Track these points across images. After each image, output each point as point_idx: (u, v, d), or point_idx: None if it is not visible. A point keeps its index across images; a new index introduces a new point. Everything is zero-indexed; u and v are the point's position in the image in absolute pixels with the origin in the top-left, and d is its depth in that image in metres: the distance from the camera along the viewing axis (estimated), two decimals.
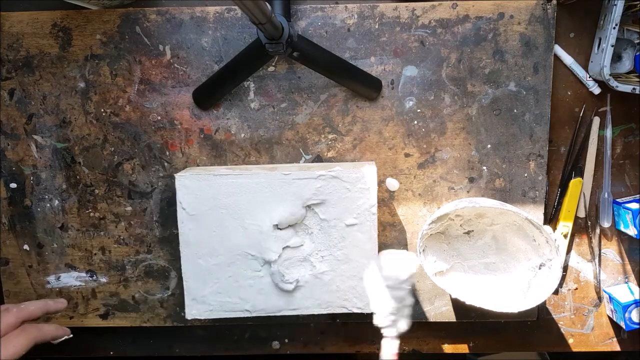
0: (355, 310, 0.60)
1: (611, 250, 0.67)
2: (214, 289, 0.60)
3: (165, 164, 0.65)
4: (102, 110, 0.64)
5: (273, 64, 0.62)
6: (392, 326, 0.53)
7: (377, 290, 0.54)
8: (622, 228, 0.65)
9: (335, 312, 0.61)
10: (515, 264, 0.62)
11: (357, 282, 0.59)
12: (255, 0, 0.40)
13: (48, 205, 0.66)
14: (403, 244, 0.65)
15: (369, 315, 0.67)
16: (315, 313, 0.61)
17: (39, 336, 0.53)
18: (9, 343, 0.50)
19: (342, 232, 0.59)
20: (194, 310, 0.60)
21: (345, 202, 0.58)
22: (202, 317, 0.60)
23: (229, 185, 0.58)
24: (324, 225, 0.59)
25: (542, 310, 0.68)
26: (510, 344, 0.70)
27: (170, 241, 0.66)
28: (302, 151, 0.64)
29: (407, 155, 0.64)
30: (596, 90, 0.62)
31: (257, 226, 0.58)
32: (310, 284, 0.60)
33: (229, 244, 0.59)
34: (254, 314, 0.60)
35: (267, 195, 0.58)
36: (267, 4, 0.43)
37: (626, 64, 0.62)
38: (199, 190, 0.58)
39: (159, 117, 0.64)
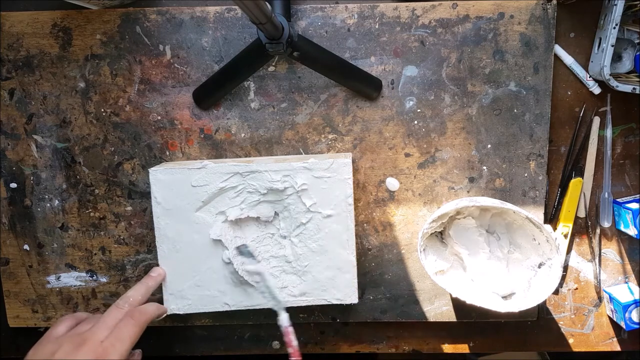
0: (335, 302, 0.61)
1: (611, 250, 0.67)
2: (192, 282, 0.60)
3: None
4: (102, 110, 0.64)
5: (273, 63, 0.62)
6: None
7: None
8: (622, 228, 0.65)
9: (314, 303, 0.61)
10: (516, 262, 0.62)
11: (334, 272, 0.60)
12: (256, 0, 0.40)
13: (48, 205, 0.66)
14: (403, 244, 0.65)
15: (369, 315, 0.68)
16: (294, 305, 0.61)
17: (146, 320, 0.53)
18: (121, 333, 0.50)
19: (318, 224, 0.59)
20: (172, 305, 0.60)
21: (321, 193, 0.58)
22: (181, 312, 0.61)
23: (204, 180, 0.58)
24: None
25: (542, 310, 0.68)
26: (510, 344, 0.70)
27: None
28: (302, 151, 0.64)
29: (407, 155, 0.64)
30: (596, 90, 0.62)
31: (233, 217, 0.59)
32: (288, 276, 0.60)
33: (208, 237, 0.59)
34: (232, 308, 0.61)
35: (241, 188, 0.58)
36: (267, 4, 0.43)
37: (626, 64, 0.62)
38: (173, 184, 0.58)
39: (159, 117, 0.64)
